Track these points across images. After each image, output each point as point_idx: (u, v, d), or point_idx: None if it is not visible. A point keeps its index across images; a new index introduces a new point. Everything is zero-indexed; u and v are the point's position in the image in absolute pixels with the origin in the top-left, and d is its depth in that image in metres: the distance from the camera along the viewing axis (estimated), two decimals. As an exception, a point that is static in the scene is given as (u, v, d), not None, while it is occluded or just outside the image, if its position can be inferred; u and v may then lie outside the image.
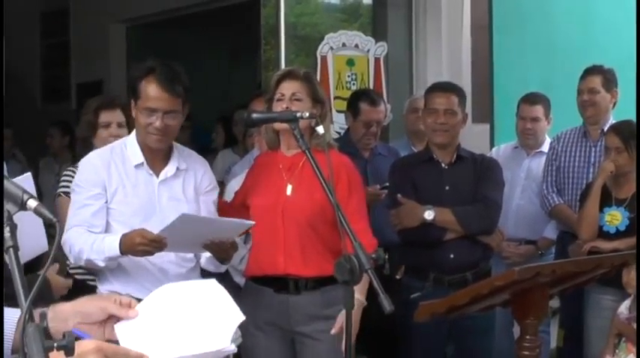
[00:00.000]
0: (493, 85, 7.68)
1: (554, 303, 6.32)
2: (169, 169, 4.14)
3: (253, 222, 3.99)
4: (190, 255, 4.19)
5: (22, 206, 2.00)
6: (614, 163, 5.40)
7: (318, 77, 7.20)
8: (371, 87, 7.26)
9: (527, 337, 3.82)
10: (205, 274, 4.27)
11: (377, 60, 7.42)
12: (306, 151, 3.28)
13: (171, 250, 3.95)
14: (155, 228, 3.87)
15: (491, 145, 7.26)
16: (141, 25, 11.19)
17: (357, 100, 6.38)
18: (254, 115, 3.70)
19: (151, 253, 3.87)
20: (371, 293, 3.08)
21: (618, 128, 5.54)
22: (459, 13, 7.78)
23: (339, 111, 7.04)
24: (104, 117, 5.26)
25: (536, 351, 3.83)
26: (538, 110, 6.43)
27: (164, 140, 4.07)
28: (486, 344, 5.31)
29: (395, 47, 7.67)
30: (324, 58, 7.27)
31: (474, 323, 5.01)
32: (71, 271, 5.25)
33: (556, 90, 6.71)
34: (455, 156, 5.24)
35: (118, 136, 5.27)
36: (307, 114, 3.44)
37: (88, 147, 5.33)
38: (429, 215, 5.01)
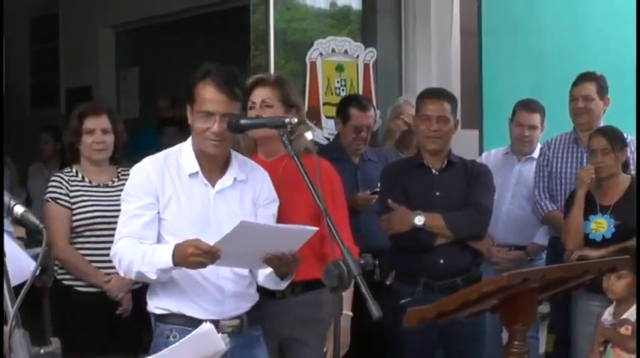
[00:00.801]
0: (482, 91, 7.70)
1: (544, 309, 6.33)
2: (226, 180, 3.91)
3: (316, 228, 3.73)
4: (245, 272, 3.97)
5: (9, 212, 1.99)
6: (600, 165, 5.43)
7: (307, 83, 7.21)
8: (360, 92, 7.26)
9: (516, 342, 3.80)
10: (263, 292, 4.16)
11: (366, 66, 7.43)
12: (295, 157, 3.26)
13: (228, 264, 3.76)
14: (210, 241, 3.66)
15: (480, 151, 7.28)
16: (130, 30, 11.19)
17: (346, 105, 6.38)
18: (242, 121, 3.67)
19: (204, 265, 3.65)
20: (361, 299, 3.07)
21: (605, 131, 5.58)
22: (448, 19, 7.79)
23: (328, 117, 7.05)
24: (88, 123, 5.25)
25: (525, 357, 3.83)
26: (536, 118, 6.46)
27: (221, 146, 3.84)
28: (476, 350, 5.32)
29: (384, 53, 7.68)
30: (313, 64, 7.27)
31: (464, 329, 5.02)
32: (59, 277, 5.26)
33: (546, 96, 6.73)
34: (445, 161, 5.26)
35: (102, 142, 5.26)
36: (295, 120, 3.40)
37: (74, 153, 5.34)
38: (419, 220, 5.02)
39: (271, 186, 4.09)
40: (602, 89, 6.12)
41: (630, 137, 5.79)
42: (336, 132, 6.56)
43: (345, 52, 7.41)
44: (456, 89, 7.23)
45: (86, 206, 5.20)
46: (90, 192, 5.25)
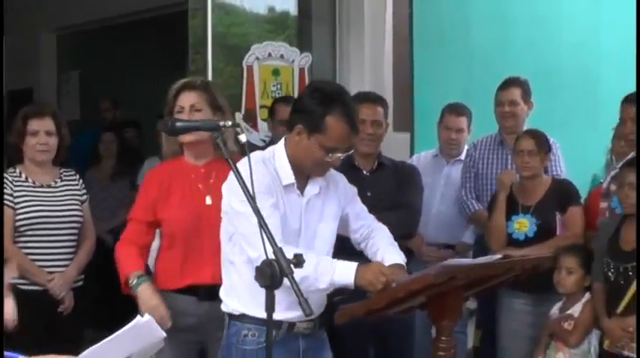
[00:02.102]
0: (414, 95, 7.76)
1: (472, 305, 6.41)
2: (313, 189, 3.85)
3: None
4: None
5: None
6: (526, 165, 5.50)
7: (244, 87, 7.22)
8: (295, 96, 7.27)
9: (443, 338, 3.85)
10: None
11: (301, 70, 7.44)
12: (229, 159, 3.25)
13: None
14: (299, 249, 3.56)
15: (412, 153, 7.33)
16: (71, 33, 11.10)
17: (273, 104, 6.49)
18: (178, 124, 3.65)
19: (378, 289, 3.62)
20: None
21: (533, 133, 5.63)
22: (381, 26, 7.83)
23: (264, 120, 7.06)
24: (33, 125, 5.24)
25: (452, 351, 3.86)
26: (462, 121, 6.50)
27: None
28: (407, 345, 5.38)
29: (319, 57, 7.70)
30: (250, 68, 7.27)
31: (395, 325, 5.07)
32: (13, 281, 5.22)
33: (475, 100, 6.80)
34: (376, 163, 5.30)
35: (46, 144, 5.24)
36: (230, 123, 3.39)
37: (17, 154, 5.31)
38: (351, 221, 5.04)
39: (346, 182, 4.11)
40: (526, 94, 6.21)
41: (552, 139, 5.88)
42: (271, 135, 6.60)
43: (281, 56, 7.43)
44: (388, 93, 7.28)
45: (29, 206, 5.18)
46: (33, 192, 5.24)
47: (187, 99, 4.32)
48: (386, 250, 4.02)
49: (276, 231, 3.52)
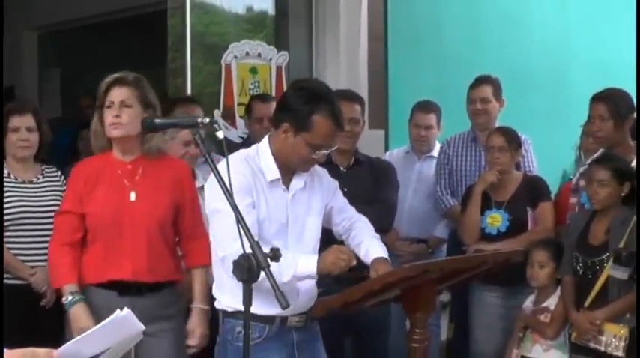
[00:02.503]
0: (388, 93, 7.76)
1: (445, 297, 6.41)
2: (298, 183, 3.83)
3: None
4: None
5: None
6: (496, 161, 5.50)
7: (223, 85, 7.24)
8: (273, 94, 7.27)
9: (417, 330, 3.86)
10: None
11: (278, 68, 7.46)
12: (207, 155, 3.21)
13: None
14: (287, 244, 3.67)
15: (386, 150, 7.33)
16: (52, 32, 11.03)
17: (250, 101, 6.47)
18: (157, 120, 3.61)
19: (345, 268, 3.63)
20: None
21: (503, 130, 5.64)
22: (356, 26, 7.84)
23: (242, 117, 7.05)
24: (14, 121, 5.20)
25: (425, 343, 3.87)
26: (431, 118, 6.50)
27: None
28: (383, 338, 5.36)
29: (296, 56, 7.70)
30: (228, 67, 7.27)
31: (370, 319, 5.05)
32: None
33: (447, 98, 6.81)
34: (353, 159, 5.29)
35: (27, 140, 5.20)
36: (207, 119, 3.35)
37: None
38: (329, 215, 5.03)
39: (329, 176, 4.10)
40: (497, 91, 6.22)
41: (524, 136, 5.88)
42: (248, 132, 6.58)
43: (259, 55, 7.43)
44: (363, 91, 7.28)
45: (12, 202, 5.14)
46: (16, 188, 5.20)
47: (118, 94, 4.25)
48: (369, 243, 4.01)
49: (251, 230, 3.48)
